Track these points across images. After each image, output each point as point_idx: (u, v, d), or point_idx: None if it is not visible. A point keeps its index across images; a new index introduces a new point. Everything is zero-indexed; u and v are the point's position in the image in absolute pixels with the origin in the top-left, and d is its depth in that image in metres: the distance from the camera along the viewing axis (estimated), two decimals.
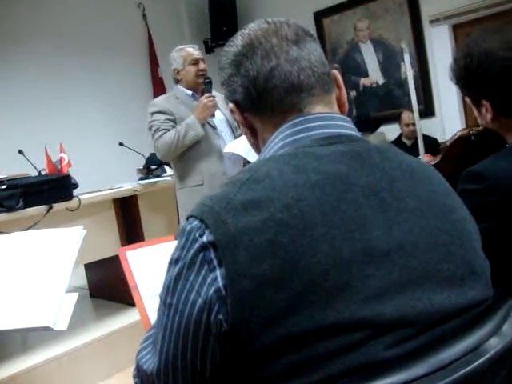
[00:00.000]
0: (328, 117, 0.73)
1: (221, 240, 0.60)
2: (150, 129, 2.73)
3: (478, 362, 0.59)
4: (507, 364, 0.65)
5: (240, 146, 2.58)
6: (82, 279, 3.41)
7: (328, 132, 0.72)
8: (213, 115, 2.70)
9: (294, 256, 0.59)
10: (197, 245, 0.62)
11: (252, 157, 2.47)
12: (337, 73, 0.79)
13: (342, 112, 0.78)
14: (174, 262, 0.66)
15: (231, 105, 0.79)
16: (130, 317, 2.79)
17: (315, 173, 0.64)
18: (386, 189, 0.66)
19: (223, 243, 0.60)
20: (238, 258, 0.59)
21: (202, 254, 0.62)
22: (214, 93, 2.75)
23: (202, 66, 2.77)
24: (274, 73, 0.72)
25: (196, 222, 0.63)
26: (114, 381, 2.53)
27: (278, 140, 0.73)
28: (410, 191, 0.68)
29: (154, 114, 2.73)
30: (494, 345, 0.61)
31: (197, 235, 0.62)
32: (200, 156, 2.70)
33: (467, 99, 1.16)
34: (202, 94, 2.70)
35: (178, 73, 2.81)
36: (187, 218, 0.66)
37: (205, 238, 0.61)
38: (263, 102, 0.74)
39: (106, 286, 3.19)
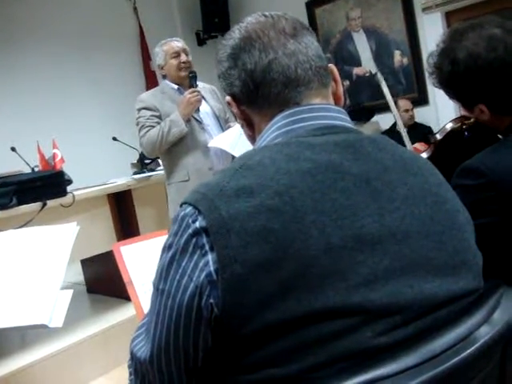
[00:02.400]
0: (323, 108, 0.74)
1: (213, 225, 0.61)
2: (137, 125, 2.71)
3: (469, 350, 0.59)
4: (498, 352, 0.65)
5: (225, 141, 2.55)
6: (78, 275, 3.41)
7: (322, 123, 0.72)
8: (197, 109, 2.66)
9: (285, 242, 0.59)
10: (190, 230, 0.63)
11: (237, 151, 2.46)
12: (333, 67, 0.80)
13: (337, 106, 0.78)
14: (166, 248, 0.66)
15: (228, 98, 0.79)
16: (127, 311, 2.79)
17: (307, 161, 0.65)
18: (377, 178, 0.66)
19: (215, 228, 0.60)
20: (230, 243, 0.59)
21: (194, 240, 0.62)
22: (200, 85, 2.71)
23: (183, 58, 2.69)
24: (272, 66, 0.73)
25: (189, 209, 0.64)
26: (112, 376, 2.53)
27: (273, 130, 0.73)
28: (402, 181, 0.68)
29: (140, 110, 2.70)
30: (485, 333, 0.61)
31: (190, 221, 0.63)
32: (185, 151, 2.67)
33: (456, 102, 1.12)
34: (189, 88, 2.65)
35: (161, 68, 2.77)
36: (181, 205, 0.66)
37: (197, 224, 0.62)
38: (260, 95, 0.74)
39: (103, 281, 3.19)
